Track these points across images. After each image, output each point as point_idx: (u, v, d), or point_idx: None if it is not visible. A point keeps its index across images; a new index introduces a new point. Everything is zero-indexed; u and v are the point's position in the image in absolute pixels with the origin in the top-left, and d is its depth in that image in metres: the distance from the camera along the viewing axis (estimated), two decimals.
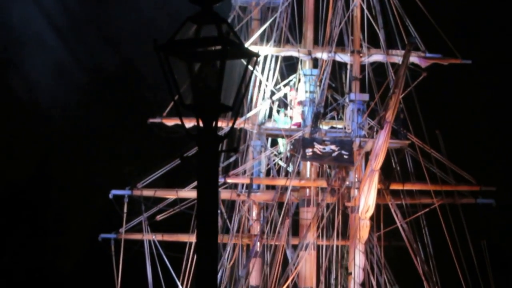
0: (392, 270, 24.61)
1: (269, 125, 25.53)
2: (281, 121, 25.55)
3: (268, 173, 26.33)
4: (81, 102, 37.63)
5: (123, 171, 30.69)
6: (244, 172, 25.14)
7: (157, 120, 26.37)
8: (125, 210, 24.52)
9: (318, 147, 23.08)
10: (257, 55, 7.74)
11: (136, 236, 25.40)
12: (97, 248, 26.38)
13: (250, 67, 7.57)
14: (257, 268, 25.53)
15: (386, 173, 25.28)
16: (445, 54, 25.76)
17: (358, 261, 22.56)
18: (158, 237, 25.13)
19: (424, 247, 24.55)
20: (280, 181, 24.16)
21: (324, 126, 25.26)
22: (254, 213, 26.54)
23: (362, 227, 22.29)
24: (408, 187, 24.75)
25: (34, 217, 37.06)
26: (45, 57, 35.72)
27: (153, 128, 26.63)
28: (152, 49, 7.29)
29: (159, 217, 25.22)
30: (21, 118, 36.96)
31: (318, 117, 23.97)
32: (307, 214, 24.50)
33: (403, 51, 23.71)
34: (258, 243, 24.99)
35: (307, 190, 24.72)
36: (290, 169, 24.80)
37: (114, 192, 24.68)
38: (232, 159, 26.56)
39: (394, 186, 24.76)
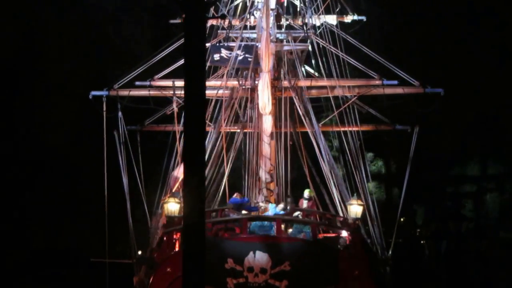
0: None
1: None
2: None
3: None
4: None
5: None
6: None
7: (177, 20, 29.39)
8: (104, 109, 26.21)
9: (225, 52, 25.90)
10: None
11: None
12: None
13: None
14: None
15: (295, 74, 28.17)
16: None
17: (264, 151, 25.46)
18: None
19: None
20: None
21: None
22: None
23: (264, 121, 25.15)
24: (321, 83, 27.40)
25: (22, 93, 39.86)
26: None
27: (173, 28, 29.71)
28: None
29: (169, 111, 27.13)
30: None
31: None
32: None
33: None
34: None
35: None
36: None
37: (94, 93, 26.63)
38: None
39: (302, 84, 27.62)
